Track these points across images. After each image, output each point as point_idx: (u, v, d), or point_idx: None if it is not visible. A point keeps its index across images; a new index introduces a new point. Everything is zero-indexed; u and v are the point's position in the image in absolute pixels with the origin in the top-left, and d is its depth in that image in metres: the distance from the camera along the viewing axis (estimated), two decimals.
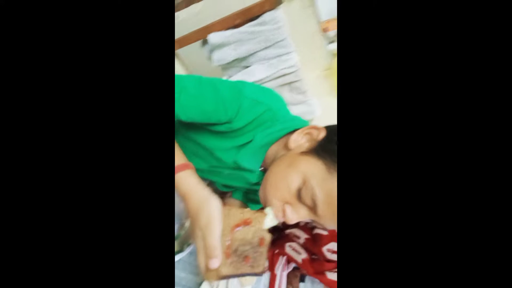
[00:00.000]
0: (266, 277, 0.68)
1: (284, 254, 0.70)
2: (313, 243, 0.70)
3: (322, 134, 0.42)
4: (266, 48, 0.77)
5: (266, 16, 0.72)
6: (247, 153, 0.46)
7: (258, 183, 0.52)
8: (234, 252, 0.36)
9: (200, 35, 0.76)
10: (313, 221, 0.40)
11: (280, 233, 0.80)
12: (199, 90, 0.43)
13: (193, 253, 0.52)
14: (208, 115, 0.44)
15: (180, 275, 0.49)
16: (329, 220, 0.38)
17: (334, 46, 1.11)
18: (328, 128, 0.43)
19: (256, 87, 0.48)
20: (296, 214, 0.39)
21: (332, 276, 0.63)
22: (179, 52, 0.91)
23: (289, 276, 0.75)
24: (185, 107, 0.43)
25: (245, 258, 0.37)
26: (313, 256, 0.71)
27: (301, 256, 0.70)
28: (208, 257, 0.34)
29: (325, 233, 0.70)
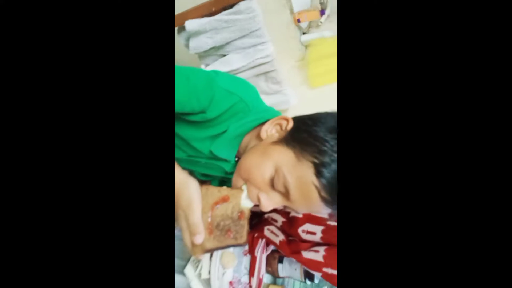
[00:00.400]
0: (246, 259, 0.71)
1: (263, 237, 0.73)
2: (290, 225, 0.74)
3: (291, 124, 0.44)
4: (241, 37, 0.77)
5: (241, 5, 0.72)
6: (222, 143, 0.48)
7: (233, 172, 0.54)
8: (216, 227, 0.39)
9: (176, 21, 0.74)
10: (286, 207, 0.43)
11: (259, 218, 0.83)
12: (176, 80, 0.44)
13: (178, 238, 0.53)
14: (181, 105, 0.44)
15: None
16: (300, 205, 0.41)
17: (306, 37, 1.14)
18: (296, 119, 0.46)
19: (229, 77, 0.49)
20: (270, 201, 0.41)
21: (307, 255, 0.68)
22: None
23: (268, 258, 0.78)
24: None
25: (227, 231, 0.40)
26: (290, 238, 0.75)
27: (279, 238, 0.73)
28: (192, 234, 0.37)
29: (300, 215, 0.74)
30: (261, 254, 0.74)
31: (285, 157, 0.40)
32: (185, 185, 0.38)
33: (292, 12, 1.08)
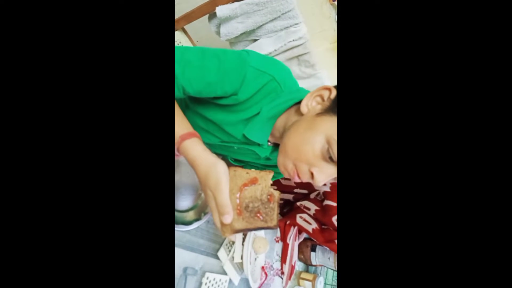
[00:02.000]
0: (278, 246, 0.71)
1: (295, 224, 0.73)
2: (323, 213, 0.72)
3: (334, 93, 0.42)
4: (273, 20, 0.74)
5: None
6: (255, 126, 0.47)
7: (267, 158, 0.53)
8: (245, 209, 0.40)
9: (207, 9, 0.74)
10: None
11: (291, 206, 0.83)
12: (202, 62, 0.43)
13: (210, 221, 0.55)
14: (213, 87, 0.44)
15: (199, 241, 0.52)
16: None
17: None
18: (337, 86, 0.43)
19: (260, 56, 0.47)
20: (324, 174, 0.40)
21: None
22: (187, 28, 0.89)
23: (300, 245, 0.78)
24: (190, 80, 0.43)
25: (257, 213, 0.40)
26: (323, 226, 0.74)
27: (312, 226, 0.72)
28: (220, 214, 0.37)
29: (334, 204, 0.72)
30: (293, 241, 0.73)
31: (334, 125, 0.39)
32: (213, 166, 0.38)
33: None
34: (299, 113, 0.44)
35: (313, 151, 0.39)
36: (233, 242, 0.56)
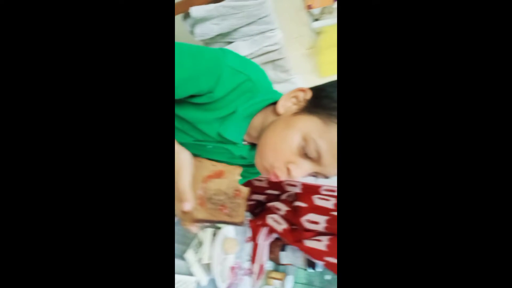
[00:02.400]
0: (249, 246, 0.72)
1: (266, 225, 0.74)
2: (293, 214, 0.74)
3: (309, 95, 0.44)
4: (249, 24, 0.75)
5: None
6: (230, 124, 0.47)
7: (242, 157, 0.54)
8: (209, 200, 0.40)
9: (182, 8, 0.73)
10: (315, 172, 0.43)
11: (262, 207, 0.84)
12: (177, 58, 0.43)
13: (177, 223, 0.54)
14: (188, 85, 0.44)
15: None
16: (332, 168, 0.41)
17: (318, 24, 1.10)
18: (313, 88, 0.45)
19: (236, 56, 0.48)
20: (301, 170, 0.41)
21: (310, 243, 0.68)
22: None
23: (271, 245, 0.80)
24: None
25: (221, 206, 0.40)
26: (293, 227, 0.76)
27: (282, 226, 0.74)
28: (179, 201, 0.37)
29: (304, 205, 0.75)
30: (264, 241, 0.75)
31: (311, 123, 0.40)
32: (176, 154, 0.38)
33: None
34: (275, 113, 0.46)
35: (290, 149, 0.41)
36: (201, 244, 0.57)
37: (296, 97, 0.45)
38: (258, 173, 0.58)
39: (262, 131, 0.47)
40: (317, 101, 0.43)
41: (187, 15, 0.75)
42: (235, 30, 0.76)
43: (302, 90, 0.45)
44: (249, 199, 0.44)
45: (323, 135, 0.39)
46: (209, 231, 0.58)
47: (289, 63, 0.88)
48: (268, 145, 0.44)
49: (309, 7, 1.04)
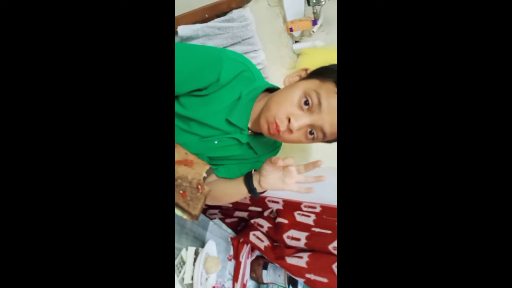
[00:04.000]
0: (230, 264, 0.71)
1: (248, 242, 0.74)
2: (275, 231, 0.75)
3: (309, 71, 0.52)
4: (234, 44, 0.78)
5: (235, 13, 0.73)
6: (237, 109, 0.52)
7: (249, 146, 0.58)
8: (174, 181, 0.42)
9: None
10: (313, 126, 0.47)
11: (245, 223, 0.84)
12: (185, 53, 0.50)
13: None
14: (196, 75, 0.49)
15: None
16: (329, 116, 0.45)
17: (298, 46, 1.16)
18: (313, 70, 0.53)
19: (234, 51, 0.54)
20: (299, 121, 0.46)
21: (291, 260, 0.69)
22: None
23: (252, 263, 0.79)
24: (176, 80, 0.49)
25: (183, 192, 0.42)
26: (275, 243, 0.76)
27: (264, 243, 0.74)
28: None
29: (285, 221, 0.75)
30: (246, 259, 0.74)
31: (311, 82, 0.47)
32: None
33: (285, 21, 1.10)
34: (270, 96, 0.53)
35: (292, 100, 0.47)
36: (184, 263, 0.55)
37: (299, 75, 0.52)
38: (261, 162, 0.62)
39: (258, 117, 0.52)
40: (317, 71, 0.50)
41: (174, 33, 0.77)
42: None
43: (305, 69, 0.52)
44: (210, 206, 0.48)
45: (322, 87, 0.45)
46: (192, 250, 0.57)
47: (271, 82, 0.91)
48: (273, 101, 0.49)
49: (290, 30, 1.10)
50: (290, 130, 0.47)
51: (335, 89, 0.44)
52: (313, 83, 0.47)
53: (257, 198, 0.57)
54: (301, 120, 0.46)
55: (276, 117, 0.47)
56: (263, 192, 0.57)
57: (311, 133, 0.48)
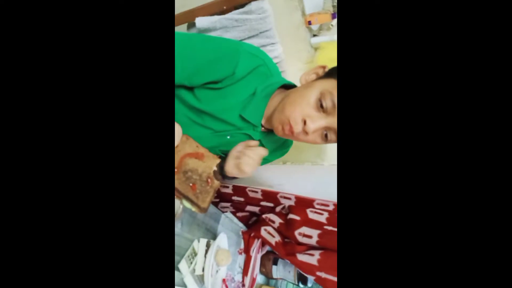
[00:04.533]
0: (241, 258, 0.72)
1: (259, 237, 0.74)
2: (287, 227, 0.74)
3: (327, 69, 0.51)
4: (251, 37, 0.77)
5: (253, 5, 0.72)
6: (251, 106, 0.51)
7: (260, 143, 0.57)
8: (183, 173, 0.43)
9: (186, 18, 0.75)
10: (327, 128, 0.46)
11: (257, 218, 0.84)
12: (202, 45, 0.50)
13: (176, 234, 0.54)
14: (212, 66, 0.49)
15: None
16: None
17: (316, 40, 1.13)
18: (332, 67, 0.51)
19: (251, 45, 0.53)
20: (315, 123, 0.45)
21: (302, 257, 0.68)
22: None
23: (263, 258, 0.79)
24: (192, 58, 0.48)
25: (193, 185, 0.43)
26: (286, 239, 0.75)
27: (275, 239, 0.74)
28: None
29: (297, 218, 0.75)
30: (256, 254, 0.74)
31: (328, 83, 0.46)
32: None
33: (303, 14, 1.08)
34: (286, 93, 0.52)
35: (308, 102, 0.46)
36: (195, 254, 0.56)
37: (316, 73, 0.51)
38: (274, 156, 0.64)
39: (273, 113, 0.52)
40: (334, 71, 0.48)
41: (191, 25, 0.76)
42: None
43: (322, 67, 0.51)
44: (218, 191, 0.49)
45: (337, 90, 0.44)
46: (203, 242, 0.57)
47: (288, 76, 0.90)
48: (288, 102, 0.48)
49: (309, 23, 1.07)
50: (305, 132, 0.46)
51: None
52: (330, 84, 0.45)
53: (223, 180, 0.55)
54: (317, 122, 0.45)
55: (291, 118, 0.46)
56: (232, 178, 0.56)
57: (325, 135, 0.47)
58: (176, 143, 0.42)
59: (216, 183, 0.45)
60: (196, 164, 0.45)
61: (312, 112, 0.45)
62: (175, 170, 0.42)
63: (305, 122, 0.45)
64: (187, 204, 0.44)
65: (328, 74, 0.49)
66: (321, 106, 0.44)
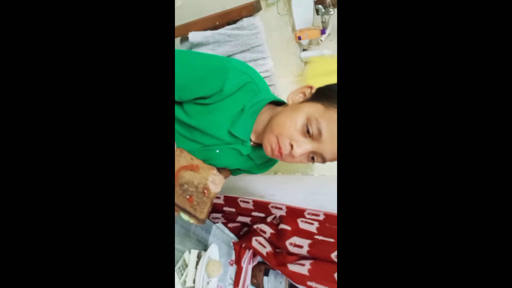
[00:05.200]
0: (232, 269, 0.71)
1: (250, 247, 0.74)
2: (278, 237, 0.75)
3: (313, 90, 0.52)
4: (243, 51, 0.80)
5: (245, 21, 0.75)
6: (239, 122, 0.52)
7: (249, 157, 0.59)
8: (180, 186, 0.44)
9: (180, 32, 0.77)
10: (313, 152, 0.48)
11: (248, 228, 0.84)
12: (193, 60, 0.51)
13: None
14: (201, 83, 0.50)
15: None
16: (329, 146, 0.46)
17: (306, 54, 1.18)
18: (318, 88, 0.53)
19: (241, 62, 0.55)
20: (301, 148, 0.47)
21: (293, 267, 0.68)
22: None
23: (254, 269, 0.79)
24: (182, 75, 0.50)
25: (190, 197, 0.43)
26: (277, 250, 0.76)
27: (266, 249, 0.74)
28: None
29: (288, 228, 0.75)
30: (247, 264, 0.74)
31: (314, 107, 0.47)
32: None
33: (293, 29, 1.12)
34: (278, 108, 0.54)
35: (295, 126, 0.47)
36: (186, 266, 0.56)
37: (303, 92, 0.53)
38: (262, 169, 0.65)
39: (263, 130, 0.53)
40: (321, 93, 0.50)
41: (184, 39, 0.78)
42: (229, 56, 0.80)
43: (309, 87, 0.53)
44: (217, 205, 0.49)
45: (324, 115, 0.45)
46: (194, 253, 0.57)
47: (278, 90, 0.93)
48: (276, 123, 0.50)
49: (299, 38, 1.11)
50: (292, 156, 0.48)
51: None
52: (316, 109, 0.47)
53: None
54: (303, 147, 0.47)
55: (279, 141, 0.48)
56: None
57: (312, 157, 0.49)
58: None
59: (213, 193, 0.46)
60: (192, 176, 0.46)
61: (298, 137, 0.47)
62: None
63: (292, 146, 0.47)
64: (185, 217, 0.44)
65: (315, 97, 0.50)
66: (308, 131, 0.46)
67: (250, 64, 0.83)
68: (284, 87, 1.03)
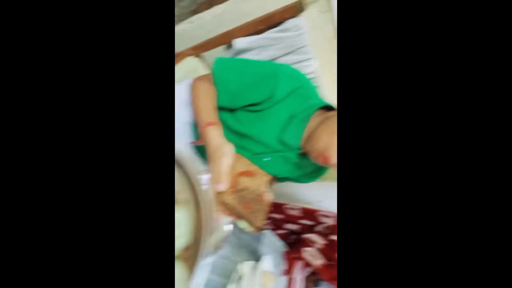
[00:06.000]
0: (284, 280, 0.69)
1: (301, 258, 0.71)
2: (330, 249, 0.71)
3: None
4: (287, 54, 0.78)
5: (288, 23, 0.73)
6: (290, 129, 0.51)
7: (297, 165, 0.57)
8: (239, 192, 0.43)
9: (224, 39, 0.77)
10: None
11: (297, 237, 0.81)
12: (242, 68, 0.51)
13: (222, 257, 0.53)
14: (252, 90, 0.50)
15: (210, 277, 0.50)
16: None
17: None
18: None
19: (290, 67, 0.54)
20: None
21: None
22: (205, 55, 0.92)
23: (307, 280, 0.76)
24: (232, 81, 0.50)
25: (247, 203, 0.43)
26: (330, 262, 0.72)
27: (318, 261, 0.71)
28: (216, 181, 0.41)
29: None
30: (299, 275, 0.71)
31: None
32: (222, 144, 0.45)
33: (335, 25, 1.07)
34: (324, 116, 0.52)
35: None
36: (240, 277, 0.55)
37: None
38: (311, 178, 0.63)
39: (310, 136, 0.51)
40: None
41: (229, 46, 0.78)
42: (274, 60, 0.79)
43: None
44: (270, 211, 0.48)
45: None
46: (249, 264, 0.56)
47: (323, 90, 0.89)
48: (324, 132, 0.48)
49: None
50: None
51: None
52: None
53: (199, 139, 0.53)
54: None
55: (326, 151, 0.46)
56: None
57: None
58: (230, 162, 0.43)
59: (268, 200, 0.44)
60: (249, 182, 0.45)
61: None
62: (231, 190, 0.42)
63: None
64: (243, 225, 0.43)
65: None
66: None
67: (295, 66, 0.80)
68: (328, 86, 0.99)
